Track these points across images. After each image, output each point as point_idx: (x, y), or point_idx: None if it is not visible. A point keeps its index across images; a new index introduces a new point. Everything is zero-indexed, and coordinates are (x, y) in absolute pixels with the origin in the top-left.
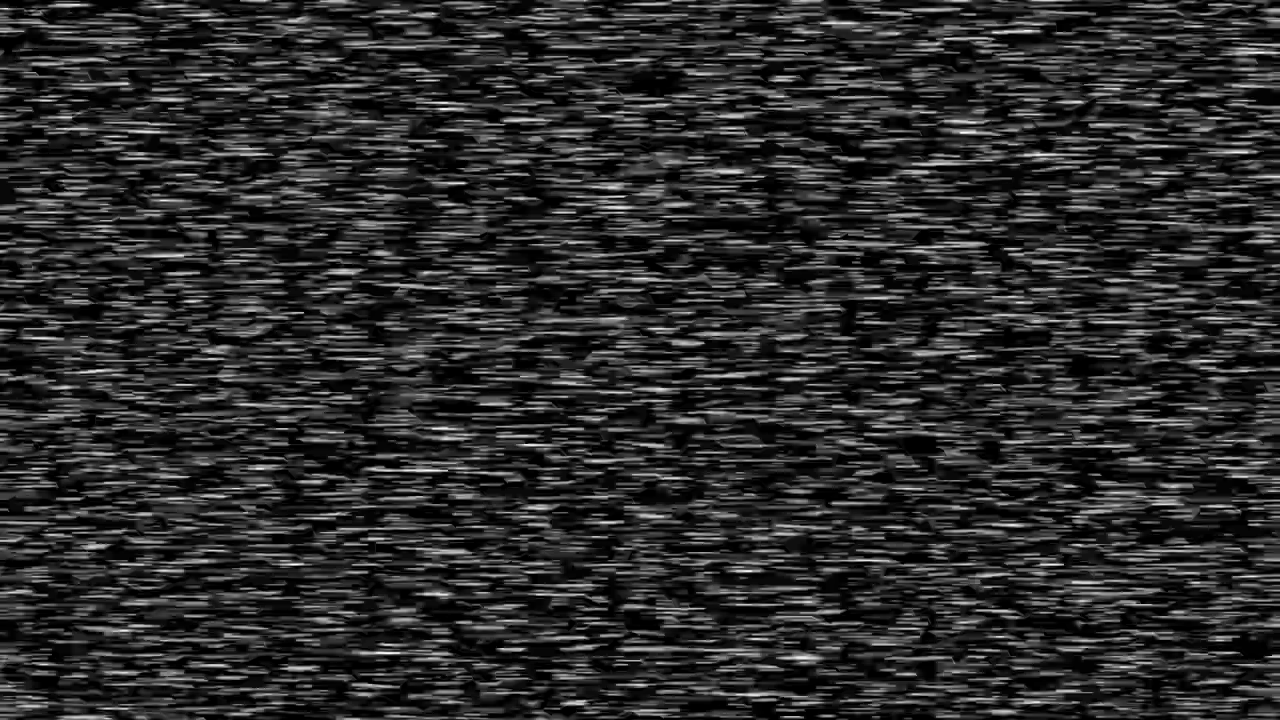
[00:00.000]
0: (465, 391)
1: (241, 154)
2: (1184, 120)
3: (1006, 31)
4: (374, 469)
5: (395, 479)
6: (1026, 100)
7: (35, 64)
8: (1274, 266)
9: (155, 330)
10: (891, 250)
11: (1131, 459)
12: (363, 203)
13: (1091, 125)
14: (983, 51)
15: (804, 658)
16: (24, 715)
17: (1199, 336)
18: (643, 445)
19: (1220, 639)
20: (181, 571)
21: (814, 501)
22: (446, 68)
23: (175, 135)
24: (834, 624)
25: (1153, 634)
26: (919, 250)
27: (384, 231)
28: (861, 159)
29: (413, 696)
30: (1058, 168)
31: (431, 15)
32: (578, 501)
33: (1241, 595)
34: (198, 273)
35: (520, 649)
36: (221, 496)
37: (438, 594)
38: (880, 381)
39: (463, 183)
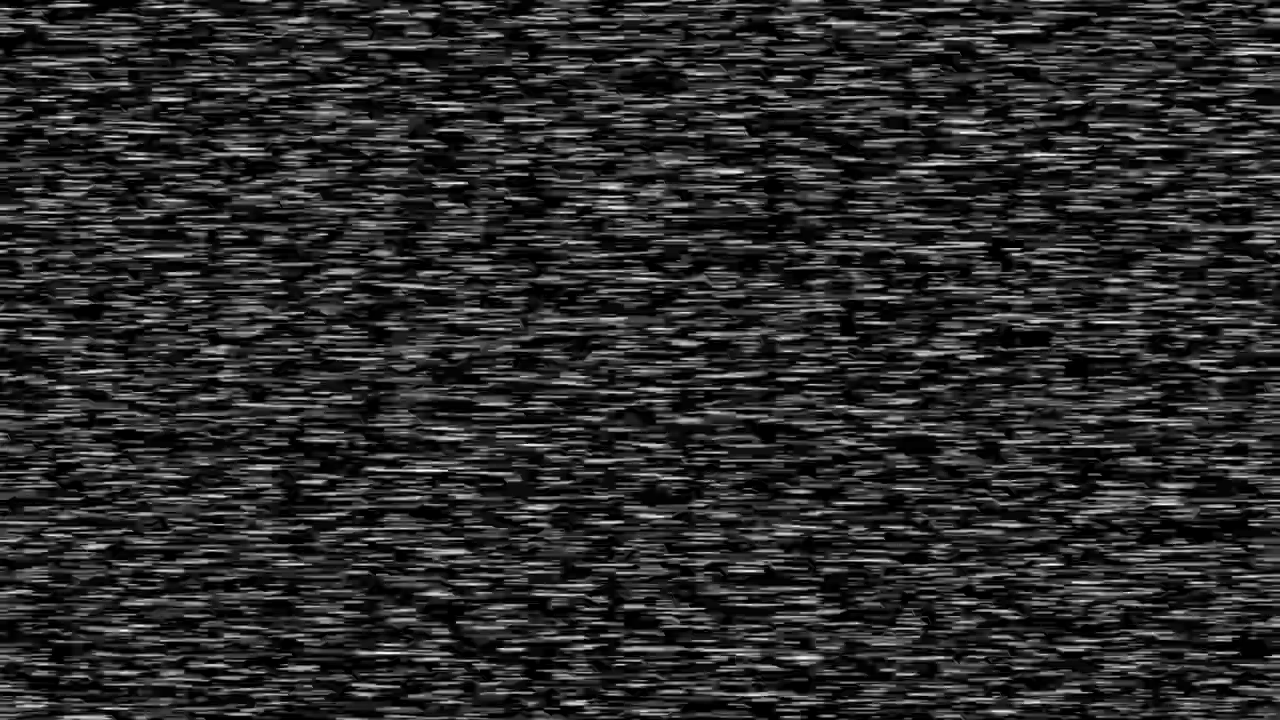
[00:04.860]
0: (465, 392)
1: (241, 155)
2: (1184, 120)
3: (1007, 31)
4: (374, 469)
5: (396, 479)
6: (1027, 100)
7: (36, 64)
8: (1274, 266)
9: (155, 330)
10: (892, 250)
11: (1132, 459)
12: (363, 203)
13: (1091, 125)
14: (983, 51)
15: (804, 658)
16: (23, 716)
17: (1199, 336)
18: (643, 445)
19: (1221, 639)
20: (181, 571)
21: (814, 501)
22: (446, 68)
23: (175, 135)
24: (834, 625)
25: (1153, 634)
26: (919, 250)
27: (384, 231)
28: (860, 159)
29: (412, 696)
30: (1058, 168)
31: (431, 15)
32: (578, 501)
33: (1242, 595)
34: (198, 273)
35: (520, 649)
36: (221, 497)
37: (438, 594)
38: (880, 381)
39: (463, 182)
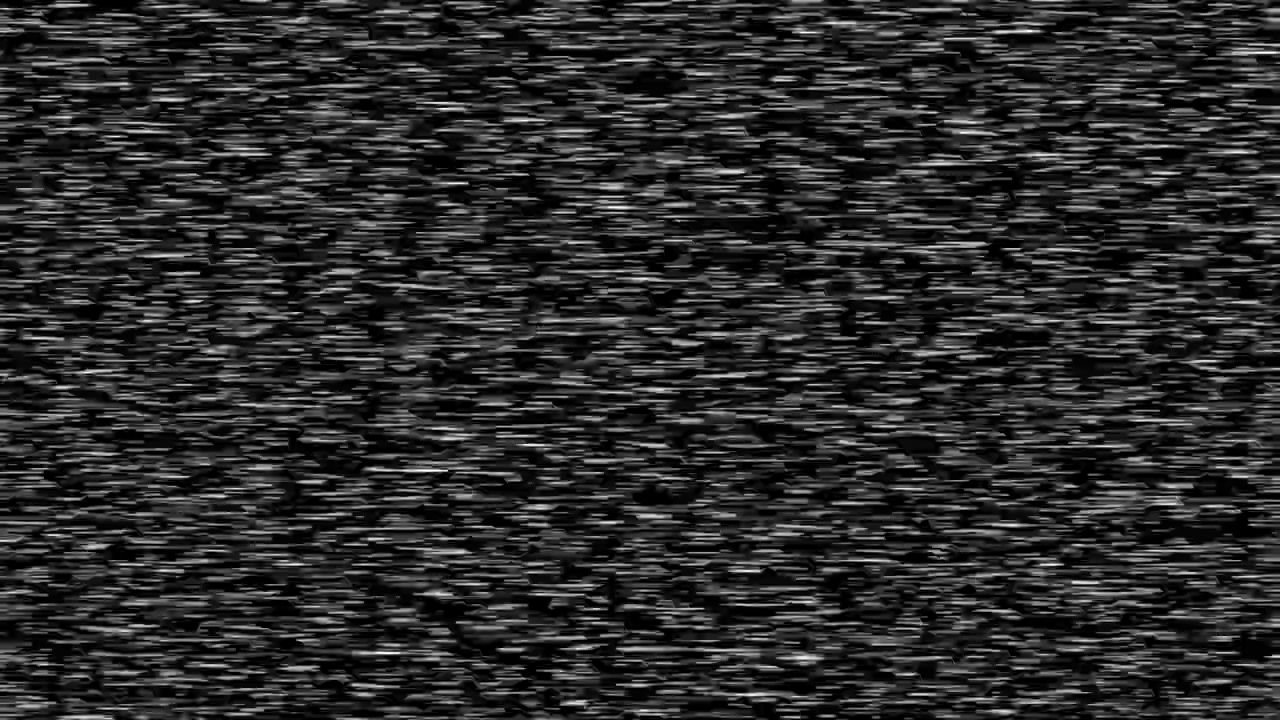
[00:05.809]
0: (465, 392)
1: (241, 154)
2: (1184, 120)
3: (1007, 31)
4: (375, 469)
5: (396, 479)
6: (1027, 100)
7: (36, 64)
8: (1274, 266)
9: (155, 330)
10: (891, 250)
11: (1131, 459)
12: (363, 202)
13: (1092, 125)
14: (983, 51)
15: (804, 658)
16: (24, 716)
17: (1199, 336)
18: (643, 445)
19: (1221, 639)
20: (181, 571)
21: (814, 501)
22: (446, 67)
23: (175, 135)
24: (834, 624)
25: (1153, 634)
26: (919, 250)
27: (384, 231)
28: (861, 159)
29: (413, 696)
30: (1058, 168)
31: (432, 15)
32: (577, 501)
33: (1241, 595)
34: (198, 273)
35: (520, 649)
36: (222, 496)
37: (437, 594)
38: (880, 381)
39: (463, 183)
